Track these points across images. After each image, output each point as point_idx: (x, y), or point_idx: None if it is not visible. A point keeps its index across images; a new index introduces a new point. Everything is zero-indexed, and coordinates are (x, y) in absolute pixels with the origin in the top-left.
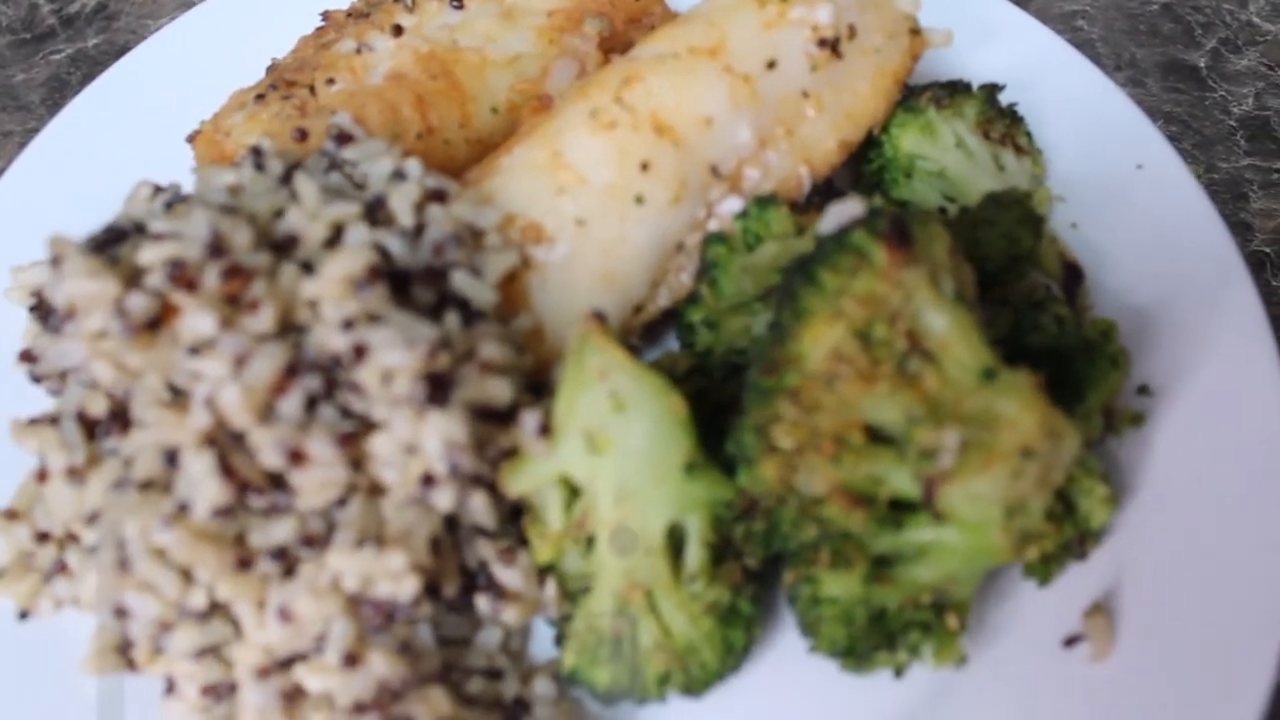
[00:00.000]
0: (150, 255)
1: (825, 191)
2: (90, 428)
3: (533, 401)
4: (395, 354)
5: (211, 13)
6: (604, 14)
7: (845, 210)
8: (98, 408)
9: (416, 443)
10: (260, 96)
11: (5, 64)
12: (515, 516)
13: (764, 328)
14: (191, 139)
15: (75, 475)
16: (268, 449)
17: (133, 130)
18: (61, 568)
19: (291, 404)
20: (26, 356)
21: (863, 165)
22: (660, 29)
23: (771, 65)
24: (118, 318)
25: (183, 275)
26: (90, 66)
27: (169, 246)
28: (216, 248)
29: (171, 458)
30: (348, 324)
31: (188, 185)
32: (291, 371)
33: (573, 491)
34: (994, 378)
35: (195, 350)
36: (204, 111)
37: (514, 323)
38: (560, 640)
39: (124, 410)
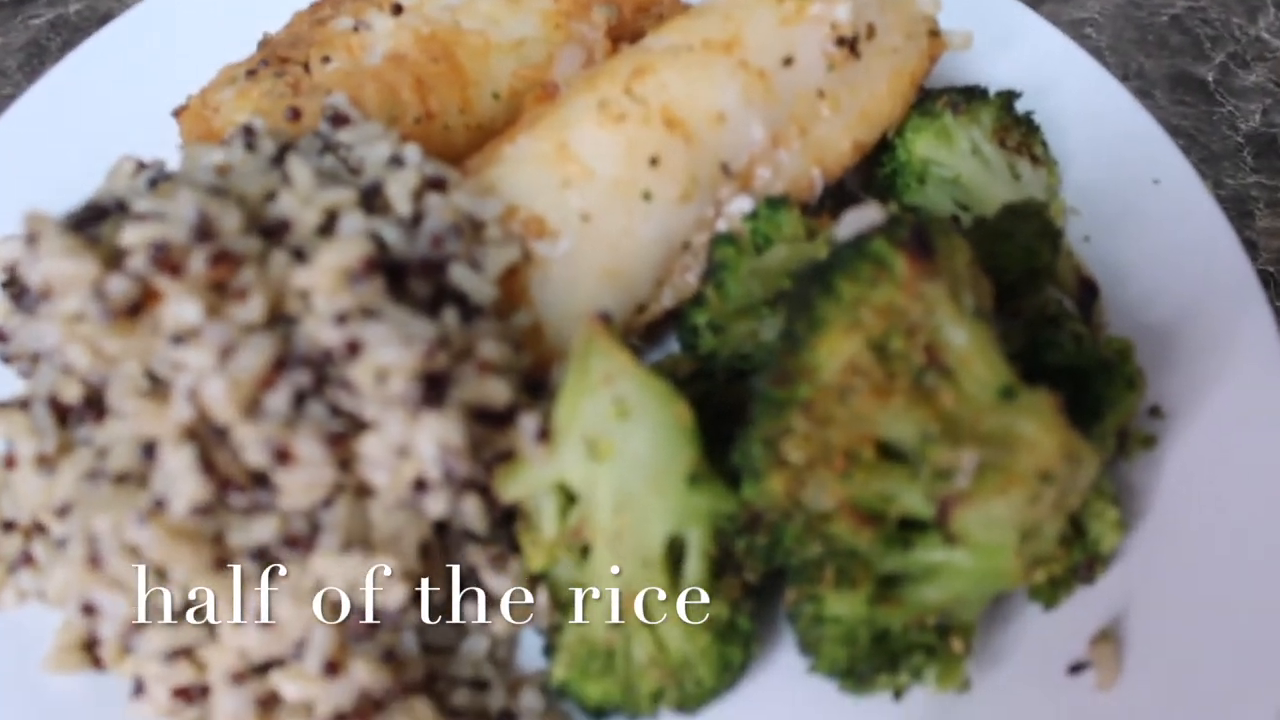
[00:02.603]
0: (133, 236)
1: (836, 194)
2: (62, 414)
3: (531, 403)
4: (391, 352)
5: None
6: (612, 1)
7: (864, 217)
8: (71, 394)
9: (409, 445)
10: (251, 72)
11: None
12: (506, 521)
13: (772, 333)
14: (178, 113)
15: (45, 464)
16: (253, 446)
17: (115, 102)
18: (27, 559)
19: (279, 400)
20: None
21: (875, 168)
22: (674, 20)
23: (788, 62)
24: (96, 300)
25: (167, 259)
26: (71, 33)
27: (153, 228)
28: (203, 231)
29: (149, 450)
30: (341, 318)
31: (173, 162)
32: (280, 365)
33: (568, 498)
34: (1013, 397)
35: (179, 339)
36: (190, 85)
37: (513, 319)
38: (549, 651)
39: (99, 397)
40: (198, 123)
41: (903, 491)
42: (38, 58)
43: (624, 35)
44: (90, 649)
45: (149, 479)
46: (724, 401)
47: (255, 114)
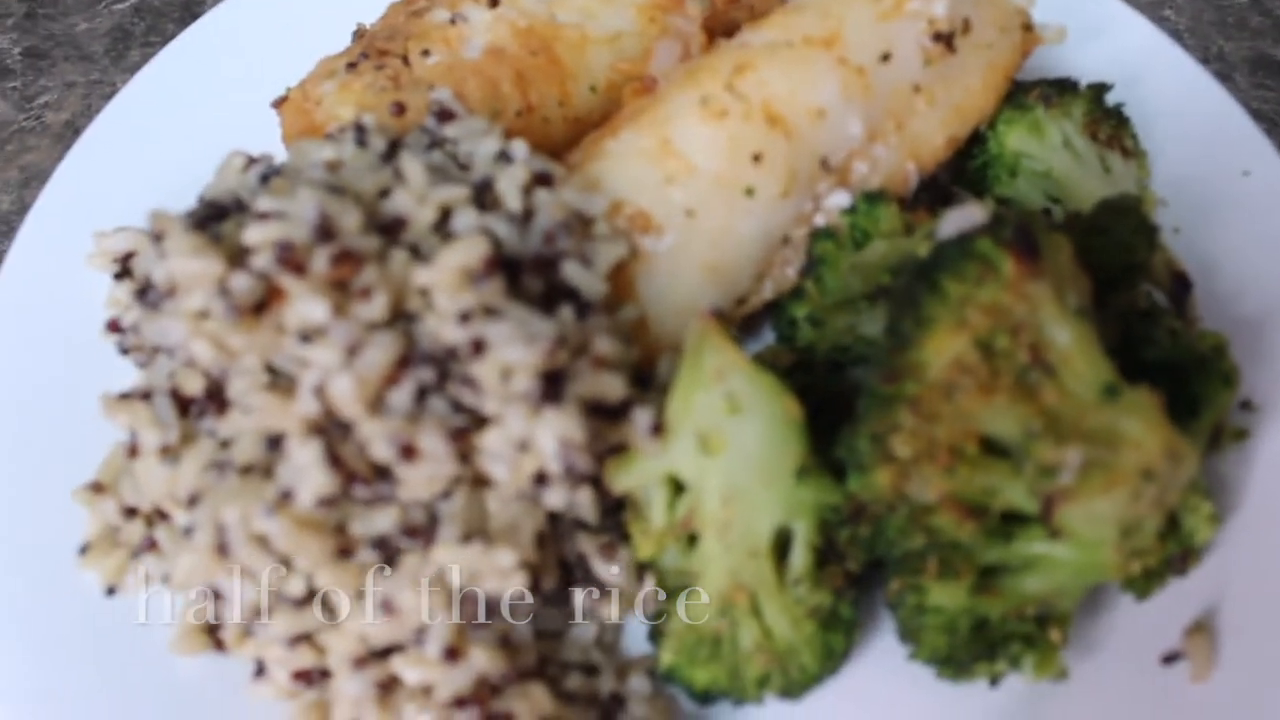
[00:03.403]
0: (256, 235)
1: (929, 187)
2: (183, 405)
3: (642, 396)
4: (515, 350)
5: None
6: None
7: (966, 216)
8: (194, 386)
9: (530, 439)
10: (352, 65)
11: (68, 12)
12: (615, 510)
13: (870, 326)
14: (277, 105)
15: (168, 454)
16: (378, 441)
17: (211, 92)
18: (150, 545)
19: (403, 395)
20: (114, 326)
21: (966, 161)
22: (772, 15)
23: (885, 58)
24: (221, 298)
25: (291, 258)
26: (154, 18)
27: (276, 227)
28: (325, 230)
29: (274, 443)
30: (464, 317)
31: (277, 154)
32: (404, 363)
33: (676, 487)
34: (1116, 395)
35: (305, 337)
36: (285, 76)
37: (620, 313)
38: (654, 636)
39: (220, 389)
40: (299, 116)
41: (1006, 486)
42: (122, 42)
43: (717, 27)
44: (212, 632)
45: (274, 471)
46: (823, 393)
47: (358, 108)
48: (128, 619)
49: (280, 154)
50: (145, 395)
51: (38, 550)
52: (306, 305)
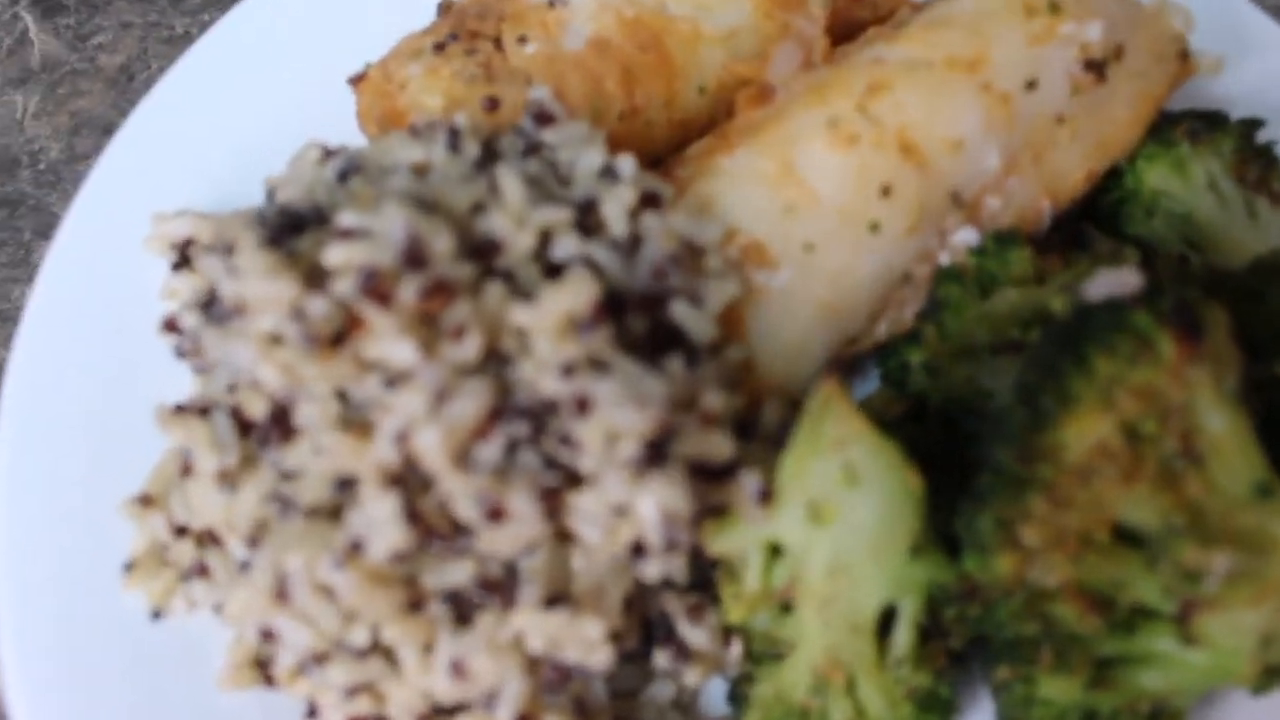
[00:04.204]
0: (338, 257)
1: (1062, 225)
2: (244, 425)
3: (748, 452)
4: (623, 414)
5: None
6: None
7: (1118, 280)
8: (257, 409)
9: (629, 506)
10: (440, 46)
11: None
12: (705, 568)
13: (992, 380)
14: (355, 82)
15: (226, 479)
16: (464, 501)
17: (283, 57)
18: (201, 570)
19: (493, 451)
20: (170, 326)
21: (1100, 195)
22: (911, 26)
23: (1031, 85)
24: (296, 324)
25: (377, 287)
26: None
27: (360, 249)
28: (414, 255)
29: (344, 485)
30: (567, 369)
31: (344, 126)
32: (496, 414)
33: (774, 551)
34: (1269, 495)
35: (389, 381)
36: (363, 45)
37: (726, 354)
38: (735, 699)
39: (286, 414)
40: (379, 98)
41: (1137, 581)
42: None
43: (838, 27)
44: (263, 666)
45: (343, 514)
46: (935, 448)
47: (446, 97)
48: (173, 644)
49: (354, 132)
50: (203, 410)
51: (81, 565)
52: (391, 345)
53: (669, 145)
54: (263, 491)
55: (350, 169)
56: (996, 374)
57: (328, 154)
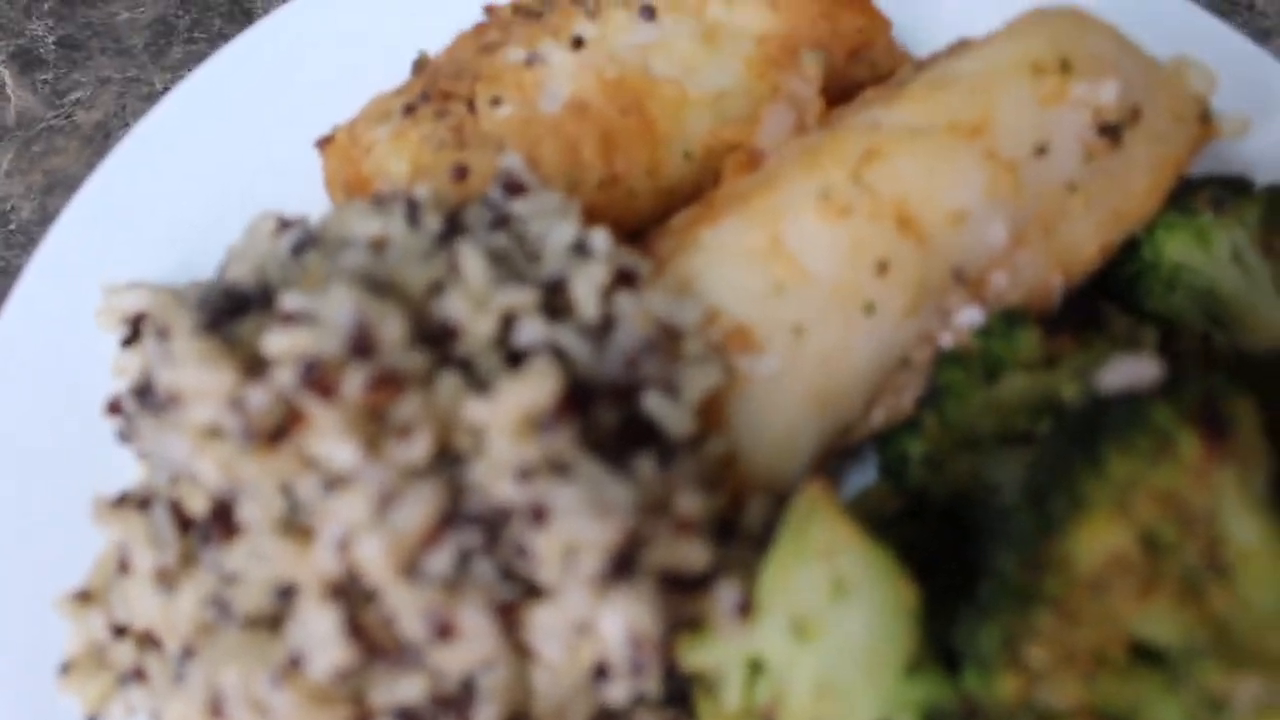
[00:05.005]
0: (279, 345)
1: (1075, 301)
2: (185, 520)
3: (727, 559)
4: (583, 525)
5: None
6: (823, 45)
7: (1135, 369)
8: (197, 505)
9: (592, 624)
10: (410, 109)
11: None
12: (678, 679)
13: (998, 473)
14: (322, 145)
15: (164, 579)
16: (410, 617)
17: (251, 117)
18: (139, 674)
19: (442, 560)
20: (115, 408)
21: (1116, 267)
22: (911, 87)
23: (1040, 151)
24: (233, 415)
25: (318, 380)
26: (201, 10)
27: (303, 336)
28: (361, 342)
29: (286, 593)
30: (524, 473)
31: (312, 193)
32: (447, 521)
33: (755, 668)
34: None
35: (328, 485)
36: (336, 102)
37: (705, 448)
38: None
39: (228, 510)
40: (345, 162)
41: (1157, 705)
42: (165, 36)
43: (835, 88)
44: None
45: (283, 623)
46: (936, 548)
47: (412, 164)
48: None
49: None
50: (143, 502)
51: (14, 664)
52: (331, 445)
53: (653, 214)
54: (202, 594)
55: (305, 242)
56: (1003, 467)
57: (284, 225)
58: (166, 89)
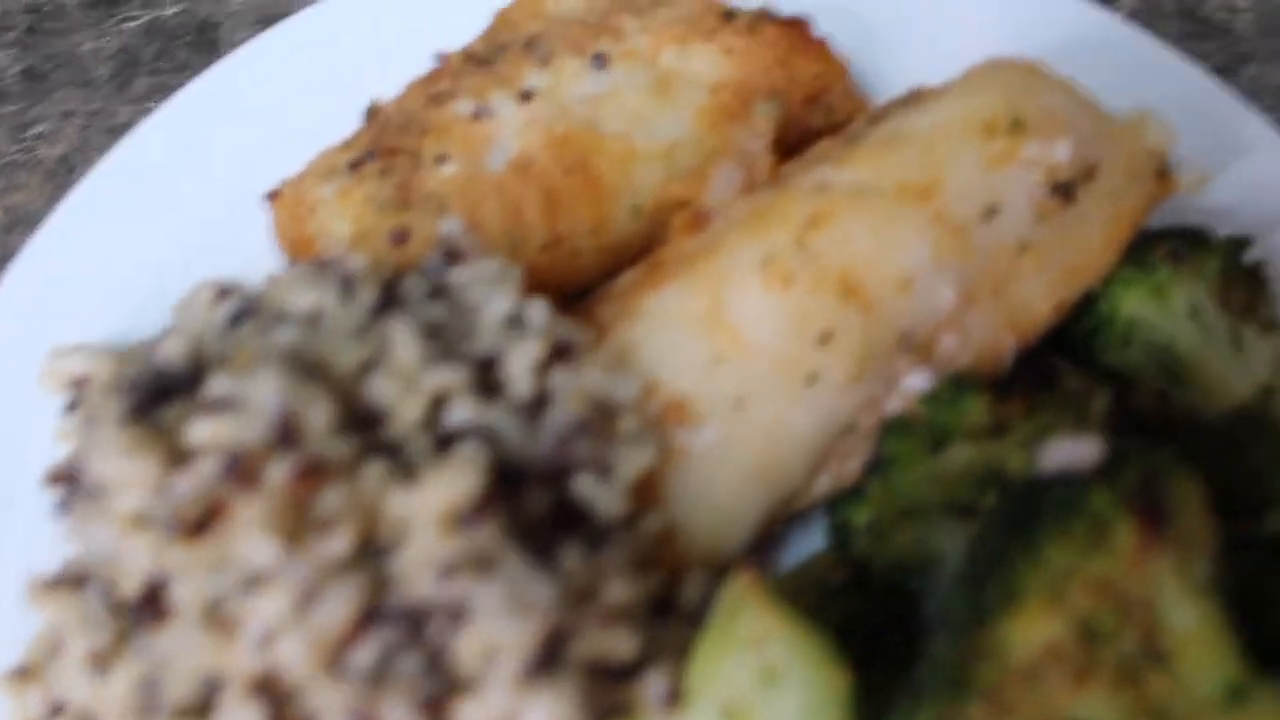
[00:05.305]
0: (202, 434)
1: (1028, 359)
2: (119, 602)
3: (657, 642)
4: (503, 625)
5: (306, 26)
6: (779, 92)
7: (1073, 451)
8: (130, 588)
9: (515, 717)
10: (356, 165)
11: (75, 28)
12: None
13: (942, 543)
14: (272, 198)
15: (98, 660)
16: (334, 715)
17: (214, 153)
18: None
19: (366, 656)
20: (57, 478)
21: (1071, 323)
22: (863, 146)
23: (990, 213)
24: (159, 504)
25: (241, 471)
26: (166, 41)
27: (227, 425)
28: (286, 432)
29: (213, 683)
30: (446, 569)
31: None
32: (369, 618)
33: None
34: (1243, 698)
35: (249, 582)
36: (303, 139)
37: (641, 525)
38: None
39: (157, 594)
40: (291, 220)
41: None
42: (130, 67)
43: (791, 135)
44: None
45: (209, 715)
46: (879, 618)
47: (355, 225)
48: None
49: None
50: (79, 580)
51: None
52: (252, 541)
53: (599, 271)
54: (133, 679)
55: (243, 312)
56: (949, 538)
57: (223, 293)
58: (130, 122)
